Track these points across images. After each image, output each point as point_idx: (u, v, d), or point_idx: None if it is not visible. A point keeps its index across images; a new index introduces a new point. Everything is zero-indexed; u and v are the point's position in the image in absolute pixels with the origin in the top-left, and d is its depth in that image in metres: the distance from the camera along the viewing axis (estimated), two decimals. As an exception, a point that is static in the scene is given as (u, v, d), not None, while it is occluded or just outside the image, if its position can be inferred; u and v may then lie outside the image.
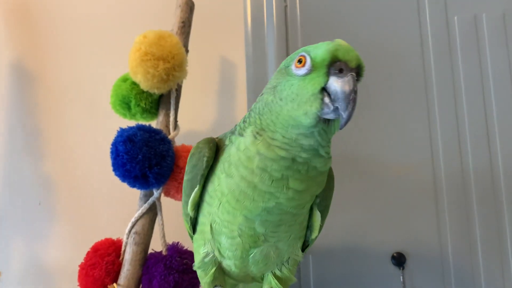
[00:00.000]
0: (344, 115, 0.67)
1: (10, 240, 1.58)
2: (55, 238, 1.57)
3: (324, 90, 0.68)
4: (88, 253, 1.21)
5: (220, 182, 0.80)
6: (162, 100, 1.30)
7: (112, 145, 1.15)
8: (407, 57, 1.52)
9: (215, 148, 0.82)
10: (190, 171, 0.85)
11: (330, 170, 0.84)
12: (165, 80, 1.21)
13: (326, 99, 0.67)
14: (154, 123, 1.31)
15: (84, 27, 1.68)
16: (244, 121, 0.80)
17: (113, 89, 1.30)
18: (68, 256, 1.52)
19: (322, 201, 0.86)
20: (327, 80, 0.68)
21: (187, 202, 0.87)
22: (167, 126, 1.28)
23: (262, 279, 0.93)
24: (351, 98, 0.66)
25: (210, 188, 0.82)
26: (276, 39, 1.55)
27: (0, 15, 1.70)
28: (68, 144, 1.62)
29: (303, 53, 0.71)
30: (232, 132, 0.83)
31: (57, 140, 1.63)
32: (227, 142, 0.82)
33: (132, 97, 1.25)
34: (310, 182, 0.76)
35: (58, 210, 1.58)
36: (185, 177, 0.87)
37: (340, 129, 0.70)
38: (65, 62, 1.67)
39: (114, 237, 1.26)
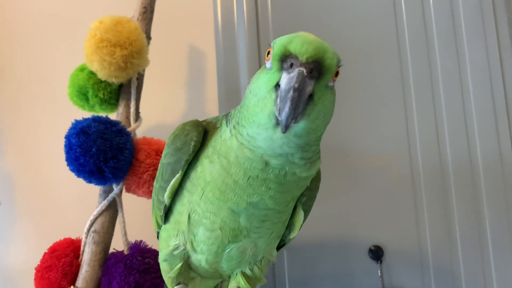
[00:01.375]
0: (280, 117, 0.60)
1: (-31, 242, 1.50)
2: (16, 239, 1.50)
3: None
4: (44, 254, 1.16)
5: (203, 169, 0.74)
6: (123, 90, 1.24)
7: (65, 137, 1.09)
8: (382, 45, 1.47)
9: (203, 133, 0.76)
10: (172, 154, 0.78)
11: (318, 171, 0.80)
12: (123, 68, 1.14)
13: (278, 100, 0.61)
14: (115, 115, 1.24)
15: (41, 15, 1.60)
16: (235, 109, 0.74)
17: (70, 79, 1.24)
18: (30, 257, 1.42)
19: (308, 201, 0.82)
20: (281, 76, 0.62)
21: (164, 188, 0.80)
22: (128, 117, 1.21)
23: (230, 277, 0.88)
24: (289, 96, 0.58)
25: (193, 175, 0.76)
26: (246, 26, 1.49)
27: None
28: (28, 140, 1.54)
29: (271, 44, 0.65)
30: (226, 116, 0.77)
31: (16, 136, 1.55)
32: (218, 126, 0.77)
33: (90, 87, 1.19)
34: (291, 185, 0.72)
35: (19, 210, 1.51)
36: (164, 160, 0.80)
37: (283, 132, 0.61)
38: (22, 53, 1.59)
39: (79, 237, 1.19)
